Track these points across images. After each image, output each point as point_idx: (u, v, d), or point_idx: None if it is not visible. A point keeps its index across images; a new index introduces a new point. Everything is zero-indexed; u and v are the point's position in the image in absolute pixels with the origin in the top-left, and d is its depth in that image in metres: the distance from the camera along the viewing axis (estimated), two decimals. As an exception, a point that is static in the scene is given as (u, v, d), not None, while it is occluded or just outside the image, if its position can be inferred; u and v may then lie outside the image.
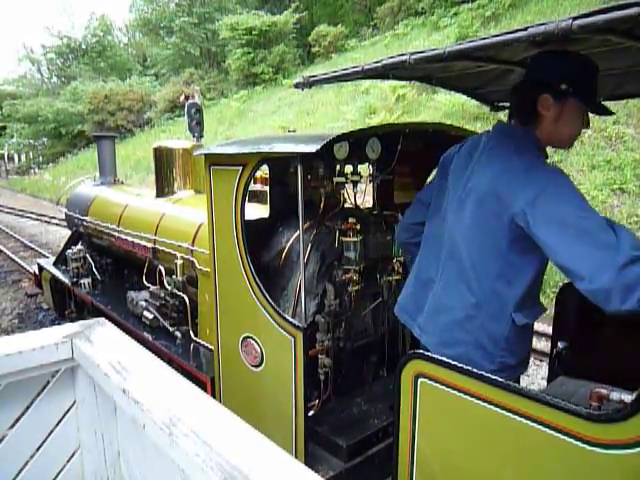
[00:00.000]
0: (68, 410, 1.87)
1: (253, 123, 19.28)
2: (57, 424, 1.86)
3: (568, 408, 1.44)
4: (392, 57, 1.65)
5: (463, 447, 1.76)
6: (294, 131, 3.30)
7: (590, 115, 1.78)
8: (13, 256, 10.62)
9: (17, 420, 1.78)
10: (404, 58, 1.60)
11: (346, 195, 3.24)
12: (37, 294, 7.67)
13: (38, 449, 1.80)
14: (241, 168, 2.51)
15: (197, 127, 10.54)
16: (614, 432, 1.37)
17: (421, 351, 1.86)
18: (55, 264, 5.89)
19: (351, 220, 2.75)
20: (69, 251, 5.30)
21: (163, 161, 4.65)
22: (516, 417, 1.57)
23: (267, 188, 3.41)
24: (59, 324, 6.28)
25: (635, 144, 8.69)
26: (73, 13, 78.51)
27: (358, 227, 2.75)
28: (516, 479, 1.61)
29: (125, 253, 4.91)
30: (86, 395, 1.95)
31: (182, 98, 13.94)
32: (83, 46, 41.72)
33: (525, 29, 1.32)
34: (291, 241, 2.93)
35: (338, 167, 2.94)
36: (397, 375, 1.91)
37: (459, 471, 1.77)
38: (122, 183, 6.20)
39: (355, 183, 3.04)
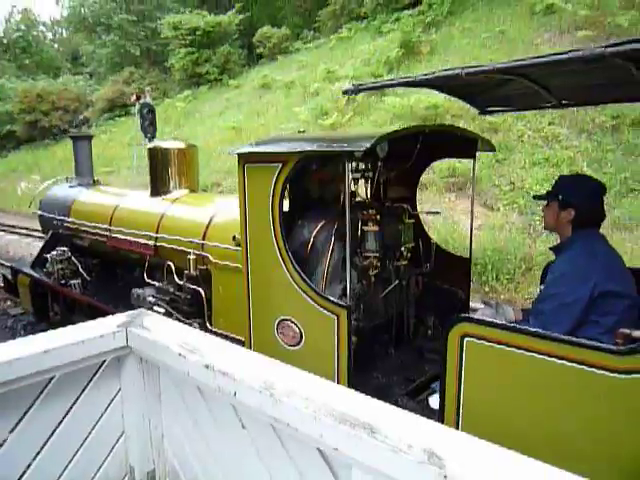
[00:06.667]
0: (115, 396, 1.98)
1: (201, 124, 19.10)
2: (105, 410, 1.95)
3: (599, 346, 1.86)
4: (446, 70, 2.01)
5: (506, 391, 2.15)
6: (304, 132, 3.58)
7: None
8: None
9: (70, 408, 1.89)
10: (458, 72, 1.96)
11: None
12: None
13: (90, 433, 1.89)
14: (280, 165, 2.77)
15: (150, 128, 10.44)
16: (633, 361, 1.79)
17: (466, 315, 2.22)
18: (32, 267, 5.78)
19: (371, 211, 3.09)
20: (53, 253, 5.26)
21: (158, 161, 4.76)
22: (553, 359, 1.97)
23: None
24: (33, 328, 6.14)
25: (568, 143, 9.63)
26: (-11, 5, 72.99)
27: (378, 217, 3.08)
28: (557, 411, 2.02)
29: (116, 252, 4.97)
30: (135, 381, 2.04)
31: (133, 98, 13.66)
32: (5, 41, 39.12)
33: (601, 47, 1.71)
34: (314, 233, 3.22)
35: (354, 164, 3.26)
36: (444, 337, 2.27)
37: (504, 411, 2.16)
38: (100, 184, 6.17)
39: (367, 179, 3.38)
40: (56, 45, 45.62)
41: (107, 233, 4.91)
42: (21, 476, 1.71)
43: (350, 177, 2.54)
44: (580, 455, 1.96)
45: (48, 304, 5.60)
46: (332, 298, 2.71)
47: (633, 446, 1.84)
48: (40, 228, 6.45)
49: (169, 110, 21.59)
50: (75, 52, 39.92)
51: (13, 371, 1.59)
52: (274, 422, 1.48)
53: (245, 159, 2.96)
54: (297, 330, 2.88)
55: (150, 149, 4.85)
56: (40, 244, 10.90)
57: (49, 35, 46.99)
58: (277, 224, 2.84)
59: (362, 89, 2.37)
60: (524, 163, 9.65)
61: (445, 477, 1.06)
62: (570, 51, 1.71)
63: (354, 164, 3.28)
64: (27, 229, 12.88)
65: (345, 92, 2.44)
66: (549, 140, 9.87)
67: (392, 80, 2.25)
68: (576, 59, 1.69)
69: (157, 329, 1.96)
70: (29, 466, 1.74)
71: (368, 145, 2.35)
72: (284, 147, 2.77)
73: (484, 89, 3.05)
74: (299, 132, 3.58)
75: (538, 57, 1.80)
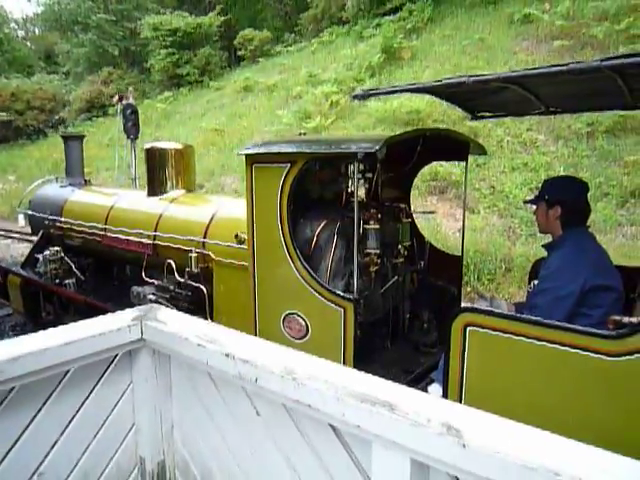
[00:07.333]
0: (126, 389, 2.01)
1: (182, 125, 19.03)
2: (117, 402, 1.99)
3: (594, 332, 2.04)
4: (451, 78, 2.17)
5: (508, 376, 2.31)
6: (305, 134, 3.72)
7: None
8: None
9: (84, 400, 1.88)
10: (464, 79, 2.12)
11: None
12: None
13: (102, 425, 1.92)
14: (288, 166, 2.89)
15: (133, 128, 10.42)
16: (624, 345, 1.98)
17: (469, 305, 2.39)
18: (23, 268, 5.75)
19: (372, 210, 3.23)
20: (46, 252, 5.25)
21: (155, 161, 4.82)
22: (551, 345, 2.15)
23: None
24: (22, 329, 6.08)
25: (546, 149, 9.99)
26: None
27: (379, 216, 3.23)
28: (555, 394, 2.19)
29: (110, 252, 5.00)
30: (147, 373, 2.08)
31: (115, 99, 13.53)
32: (-26, 38, 38.05)
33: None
34: (317, 231, 3.34)
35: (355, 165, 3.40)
36: (448, 327, 2.42)
37: (505, 395, 2.32)
38: (92, 184, 6.18)
39: (366, 180, 3.53)
40: (29, 43, 44.67)
41: (102, 232, 4.94)
42: (39, 466, 1.76)
43: (355, 177, 2.68)
44: (578, 434, 2.13)
45: (40, 304, 5.58)
46: (339, 292, 2.84)
47: (628, 423, 2.03)
48: (20, 228, 6.40)
49: (149, 111, 21.42)
50: (49, 51, 39.12)
51: (38, 363, 1.62)
52: (296, 404, 1.54)
53: (253, 159, 3.07)
54: (303, 323, 3.00)
55: (147, 149, 4.91)
56: (20, 245, 10.80)
57: (21, 33, 46.05)
58: (285, 222, 2.95)
59: (371, 94, 2.52)
60: (503, 168, 9.96)
61: (464, 446, 1.16)
62: (569, 63, 1.89)
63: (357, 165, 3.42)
64: (5, 230, 12.66)
65: (354, 97, 2.58)
66: (527, 146, 10.21)
67: (399, 87, 2.41)
68: (575, 70, 1.87)
69: (172, 322, 1.99)
70: (46, 456, 1.78)
71: (378, 147, 2.49)
72: (293, 148, 2.89)
73: (480, 95, 3.23)
74: (300, 134, 3.70)
75: (539, 68, 1.98)
